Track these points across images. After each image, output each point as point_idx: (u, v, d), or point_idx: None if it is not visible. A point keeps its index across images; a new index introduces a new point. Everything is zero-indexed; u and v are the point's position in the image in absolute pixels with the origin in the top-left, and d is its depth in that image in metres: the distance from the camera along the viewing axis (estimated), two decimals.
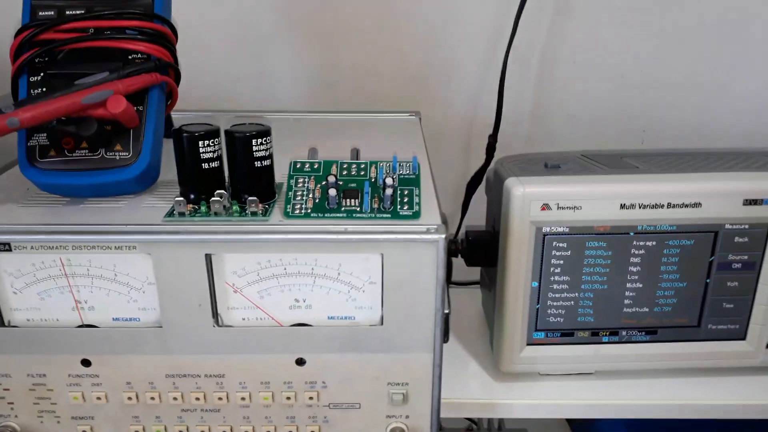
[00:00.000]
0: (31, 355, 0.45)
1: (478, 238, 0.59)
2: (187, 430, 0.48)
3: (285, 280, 0.44)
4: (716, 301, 0.55)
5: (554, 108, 0.79)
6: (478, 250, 0.58)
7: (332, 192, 0.44)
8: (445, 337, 0.46)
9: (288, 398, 0.46)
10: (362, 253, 0.43)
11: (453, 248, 0.59)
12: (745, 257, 0.54)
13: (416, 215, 0.44)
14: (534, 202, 0.51)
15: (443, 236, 0.42)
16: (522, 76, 0.76)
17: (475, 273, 0.66)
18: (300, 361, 0.46)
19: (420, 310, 0.44)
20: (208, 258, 0.42)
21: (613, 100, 0.77)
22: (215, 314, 0.44)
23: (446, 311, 0.45)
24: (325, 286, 0.44)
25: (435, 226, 0.42)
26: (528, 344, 0.56)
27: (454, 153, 0.80)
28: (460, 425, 0.79)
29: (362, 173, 0.46)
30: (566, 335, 0.56)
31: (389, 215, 0.44)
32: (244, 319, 0.45)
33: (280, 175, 0.47)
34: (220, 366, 0.45)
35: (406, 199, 0.45)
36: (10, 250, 0.42)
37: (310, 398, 0.47)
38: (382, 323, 0.45)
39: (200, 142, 0.43)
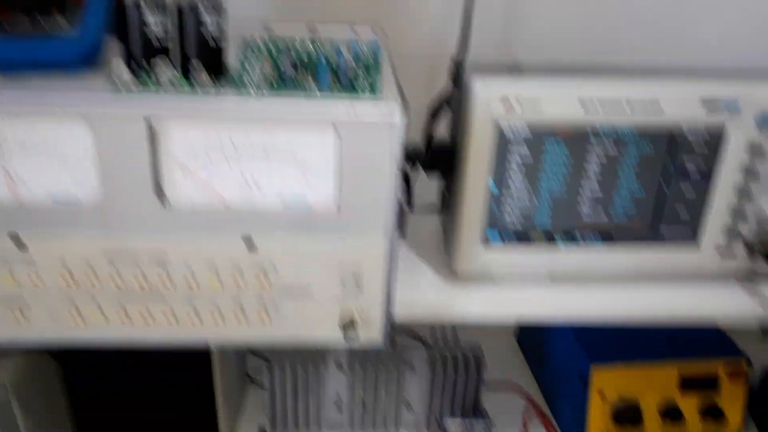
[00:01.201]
0: None
1: (440, 146, 0.58)
2: (126, 313, 0.47)
3: (235, 160, 0.42)
4: (672, 207, 0.55)
5: (525, 33, 0.77)
6: (439, 158, 0.58)
7: (287, 69, 0.42)
8: (402, 231, 0.46)
9: (237, 284, 0.45)
10: (316, 133, 0.41)
11: (414, 158, 0.58)
12: (702, 163, 0.54)
13: (375, 96, 0.42)
14: (495, 100, 0.50)
15: (402, 118, 0.41)
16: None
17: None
18: (250, 245, 0.44)
19: (375, 193, 0.43)
20: (153, 132, 0.40)
21: (585, 19, 0.76)
22: (159, 193, 0.42)
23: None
24: (278, 167, 0.42)
25: (394, 108, 0.41)
26: (484, 247, 0.56)
27: (418, 79, 0.78)
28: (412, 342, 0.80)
29: (319, 52, 0.44)
30: (522, 239, 0.56)
31: (347, 95, 0.42)
32: (190, 199, 0.43)
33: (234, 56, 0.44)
34: (164, 248, 0.43)
35: (364, 81, 0.43)
36: None
37: (260, 284, 0.45)
38: (335, 206, 0.43)
39: (145, 8, 0.40)
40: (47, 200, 0.42)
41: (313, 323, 0.47)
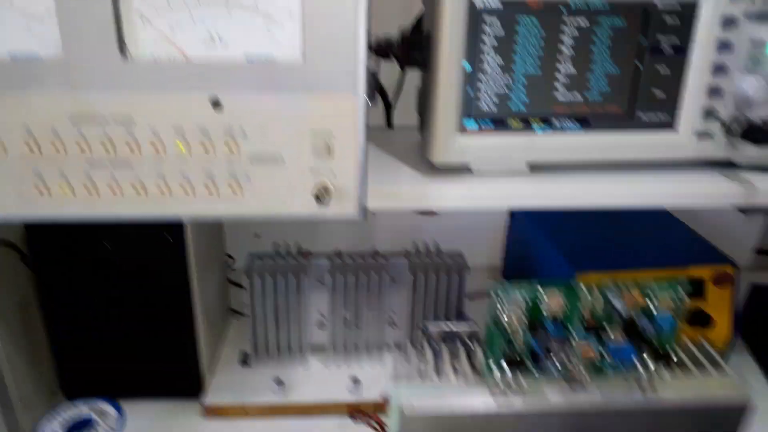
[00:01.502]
0: None
1: (413, 38, 0.57)
2: (96, 190, 0.45)
3: (198, 11, 0.41)
4: (647, 88, 0.55)
5: None
6: (413, 50, 0.57)
7: None
8: (372, 98, 0.45)
9: (205, 148, 0.44)
10: None
11: (386, 48, 0.58)
12: (676, 40, 0.54)
13: None
14: None
15: None
16: None
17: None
18: (216, 104, 0.43)
19: (342, 45, 0.42)
20: None
21: None
22: (122, 46, 0.41)
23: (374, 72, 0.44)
24: (242, 17, 0.41)
25: None
26: (460, 134, 0.55)
27: None
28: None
29: None
30: (499, 125, 0.56)
31: None
32: (152, 53, 0.41)
33: None
34: (128, 108, 0.42)
35: None
36: None
37: (229, 149, 0.44)
38: (300, 55, 0.42)
39: None
40: (7, 58, 0.41)
41: (285, 194, 0.46)
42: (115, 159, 0.44)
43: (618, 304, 0.43)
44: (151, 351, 0.66)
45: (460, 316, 0.67)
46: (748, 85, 0.53)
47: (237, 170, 0.45)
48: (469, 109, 0.54)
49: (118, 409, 0.57)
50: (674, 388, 0.44)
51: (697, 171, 0.58)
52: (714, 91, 0.55)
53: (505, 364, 0.44)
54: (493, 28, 0.51)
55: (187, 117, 0.43)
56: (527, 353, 0.44)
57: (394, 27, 0.58)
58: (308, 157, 0.45)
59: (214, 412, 0.67)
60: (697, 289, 0.71)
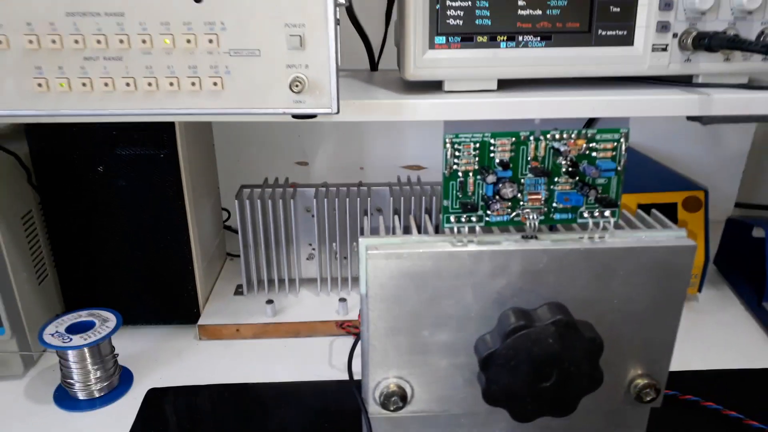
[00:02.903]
0: None
1: None
2: (91, 84, 0.49)
3: None
4: (604, 3, 0.58)
5: None
6: None
7: None
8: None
9: (188, 41, 0.47)
10: None
11: None
12: None
13: None
14: None
15: None
16: None
17: None
18: None
19: None
20: None
21: None
22: None
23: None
24: None
25: None
26: (430, 48, 0.58)
27: None
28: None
29: None
30: (466, 40, 0.59)
31: None
32: None
33: None
34: (119, 2, 0.45)
35: None
36: None
37: (210, 41, 0.47)
38: None
39: None
40: None
41: (263, 88, 0.49)
42: (108, 52, 0.47)
43: (562, 147, 0.45)
44: (149, 276, 0.69)
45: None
46: None
47: (218, 63, 0.48)
48: (439, 30, 0.57)
49: (117, 315, 0.59)
50: (621, 236, 0.46)
51: (656, 85, 0.60)
52: (666, 5, 0.57)
53: (460, 213, 0.47)
54: None
55: (171, 10, 0.46)
56: (479, 199, 0.46)
57: None
58: (283, 51, 0.48)
59: (209, 333, 0.69)
60: (670, 214, 0.73)
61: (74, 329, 0.58)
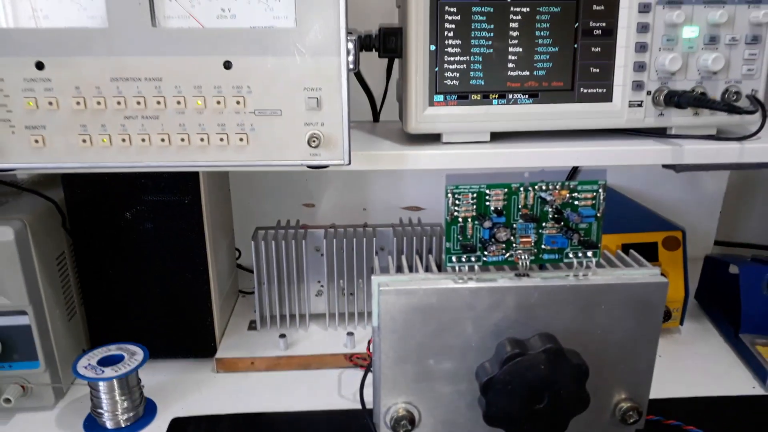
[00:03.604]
0: None
1: (389, 30, 0.67)
2: (129, 139, 0.54)
3: None
4: (585, 65, 0.64)
5: None
6: (388, 40, 0.67)
7: None
8: (355, 63, 0.55)
9: (218, 102, 0.52)
10: None
11: (368, 42, 0.68)
12: (603, 23, 0.63)
13: None
14: None
15: None
16: None
17: None
18: (227, 65, 0.52)
19: (328, 13, 0.51)
20: None
21: None
22: (153, 19, 0.51)
23: (351, 31, 0.53)
24: None
25: None
26: (430, 105, 0.64)
27: None
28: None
29: None
30: (462, 98, 0.65)
31: None
32: (177, 26, 0.51)
33: None
34: (158, 69, 0.51)
35: None
36: None
37: (237, 102, 0.53)
38: (296, 27, 0.51)
39: None
40: (63, 29, 0.50)
41: (284, 143, 0.55)
42: (146, 112, 0.53)
43: (548, 197, 0.51)
44: (171, 312, 0.73)
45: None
46: (667, 60, 0.62)
47: (244, 122, 0.54)
48: (437, 88, 0.63)
49: (144, 349, 0.64)
50: (602, 274, 0.52)
51: (633, 137, 0.66)
52: (640, 66, 0.63)
53: (461, 254, 0.53)
54: (451, 16, 0.61)
55: (204, 76, 0.52)
56: (477, 242, 0.52)
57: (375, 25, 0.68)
58: (302, 111, 0.54)
59: (226, 366, 0.73)
60: (651, 252, 0.78)
61: (105, 362, 0.62)
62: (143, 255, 0.71)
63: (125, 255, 0.71)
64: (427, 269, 0.54)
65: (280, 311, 0.79)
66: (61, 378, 0.67)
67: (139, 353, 0.63)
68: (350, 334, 0.74)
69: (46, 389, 0.66)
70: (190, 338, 0.74)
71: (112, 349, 0.63)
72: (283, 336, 0.74)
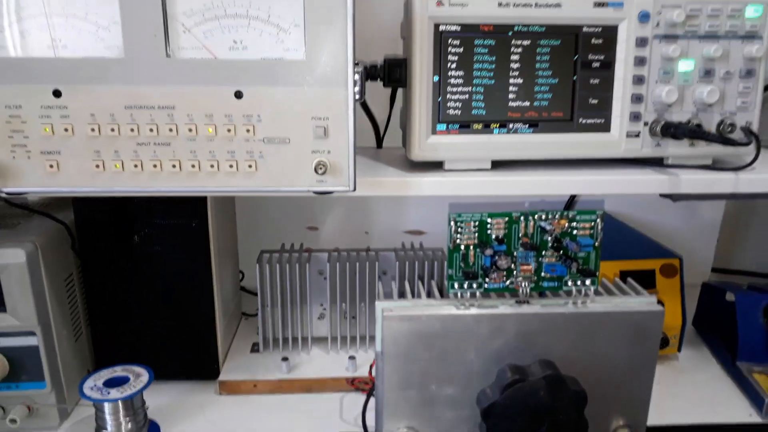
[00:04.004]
0: (10, 85, 0.52)
1: (393, 61, 0.69)
2: (141, 165, 0.55)
3: (225, 22, 0.53)
4: (583, 96, 0.65)
5: None
6: (393, 70, 0.69)
7: None
8: (361, 94, 0.56)
9: (228, 130, 0.54)
10: None
11: (374, 72, 0.70)
12: (602, 56, 0.65)
13: None
14: (431, 3, 0.62)
15: None
16: None
17: None
18: (238, 95, 0.54)
19: (337, 47, 0.53)
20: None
21: None
22: (167, 50, 0.52)
23: (358, 62, 0.55)
24: (258, 27, 0.53)
25: None
26: (432, 134, 0.66)
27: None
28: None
29: None
30: (464, 127, 0.66)
31: None
32: (190, 56, 0.52)
33: None
34: (171, 98, 0.53)
35: None
36: None
37: (247, 131, 0.54)
38: (305, 59, 0.53)
39: None
40: (80, 58, 0.52)
41: (291, 170, 0.56)
42: (158, 138, 0.54)
43: (547, 226, 0.52)
44: (175, 334, 0.74)
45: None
46: (664, 93, 0.64)
47: (254, 149, 0.55)
48: (440, 117, 0.65)
49: (149, 371, 0.64)
50: (600, 302, 0.53)
51: (631, 166, 0.68)
52: (637, 98, 0.65)
53: (463, 281, 0.54)
54: (454, 48, 0.63)
55: (215, 105, 0.53)
56: (479, 269, 0.53)
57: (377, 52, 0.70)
58: (310, 139, 0.55)
59: (229, 389, 0.73)
60: (649, 279, 0.79)
61: (111, 383, 0.62)
62: (149, 277, 0.72)
63: (132, 277, 0.72)
64: (430, 295, 0.55)
65: (283, 334, 0.80)
66: (66, 398, 0.68)
67: (144, 375, 0.63)
68: (352, 357, 0.75)
69: (51, 410, 0.66)
70: (193, 360, 0.75)
71: (117, 371, 0.64)
72: (285, 359, 0.75)
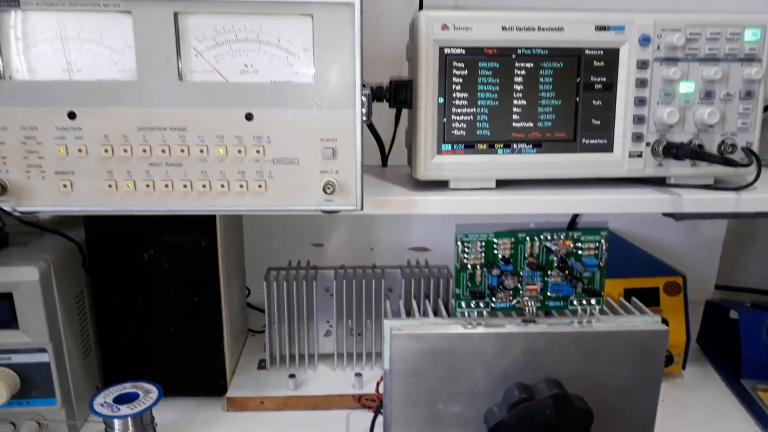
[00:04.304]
0: (26, 107, 0.53)
1: (399, 82, 0.70)
2: (153, 185, 0.56)
3: (236, 46, 0.54)
4: (586, 117, 0.66)
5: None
6: (399, 92, 0.70)
7: None
8: (368, 116, 0.57)
9: (239, 151, 0.55)
10: (296, 16, 0.53)
11: (380, 94, 0.71)
12: (604, 78, 0.66)
13: None
14: (435, 23, 0.62)
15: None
16: None
17: None
18: (249, 117, 0.55)
19: (345, 70, 0.54)
20: (177, 18, 0.52)
21: None
22: (180, 73, 0.53)
23: (365, 85, 0.56)
24: (268, 51, 0.54)
25: None
26: (438, 153, 0.67)
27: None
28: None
29: None
30: (469, 147, 0.67)
31: None
32: (202, 79, 0.54)
33: None
34: (182, 120, 0.54)
35: None
36: (18, 5, 0.52)
37: (257, 152, 0.55)
38: (314, 82, 0.54)
39: None
40: (95, 82, 0.53)
41: (300, 189, 0.57)
42: (170, 159, 0.55)
43: (553, 246, 0.53)
44: (183, 351, 0.74)
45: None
46: (665, 114, 0.65)
47: (263, 169, 0.56)
48: (445, 138, 0.66)
49: (158, 387, 0.65)
50: (605, 321, 0.53)
51: (634, 186, 0.68)
52: (639, 119, 0.66)
53: (470, 300, 0.54)
54: (459, 70, 0.64)
55: (226, 127, 0.54)
56: (486, 288, 0.53)
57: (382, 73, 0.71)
58: (318, 160, 0.56)
59: (236, 405, 0.74)
60: (653, 297, 0.80)
61: (121, 400, 0.63)
62: (159, 294, 0.72)
63: (141, 294, 0.72)
64: (437, 313, 0.56)
65: (290, 351, 0.80)
66: (75, 415, 0.68)
67: (154, 391, 0.64)
68: (358, 374, 0.75)
69: (61, 426, 0.67)
70: (201, 377, 0.75)
71: (127, 387, 0.64)
72: (292, 376, 0.75)
